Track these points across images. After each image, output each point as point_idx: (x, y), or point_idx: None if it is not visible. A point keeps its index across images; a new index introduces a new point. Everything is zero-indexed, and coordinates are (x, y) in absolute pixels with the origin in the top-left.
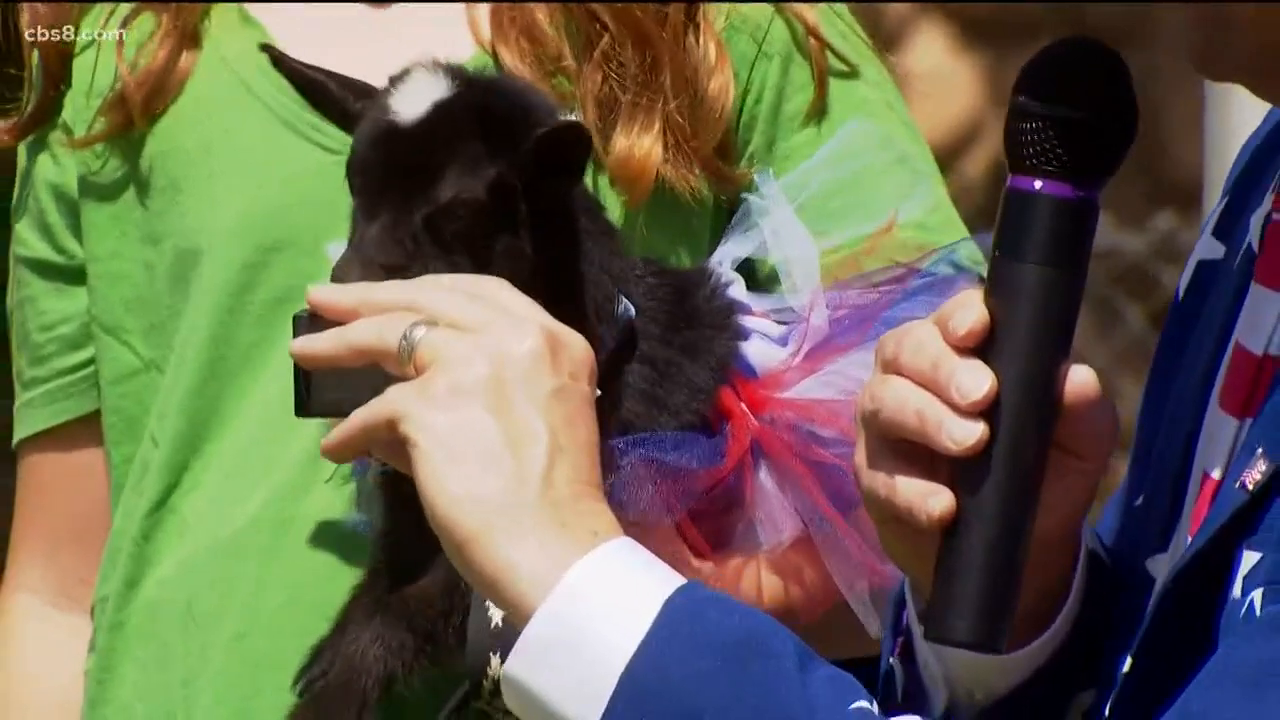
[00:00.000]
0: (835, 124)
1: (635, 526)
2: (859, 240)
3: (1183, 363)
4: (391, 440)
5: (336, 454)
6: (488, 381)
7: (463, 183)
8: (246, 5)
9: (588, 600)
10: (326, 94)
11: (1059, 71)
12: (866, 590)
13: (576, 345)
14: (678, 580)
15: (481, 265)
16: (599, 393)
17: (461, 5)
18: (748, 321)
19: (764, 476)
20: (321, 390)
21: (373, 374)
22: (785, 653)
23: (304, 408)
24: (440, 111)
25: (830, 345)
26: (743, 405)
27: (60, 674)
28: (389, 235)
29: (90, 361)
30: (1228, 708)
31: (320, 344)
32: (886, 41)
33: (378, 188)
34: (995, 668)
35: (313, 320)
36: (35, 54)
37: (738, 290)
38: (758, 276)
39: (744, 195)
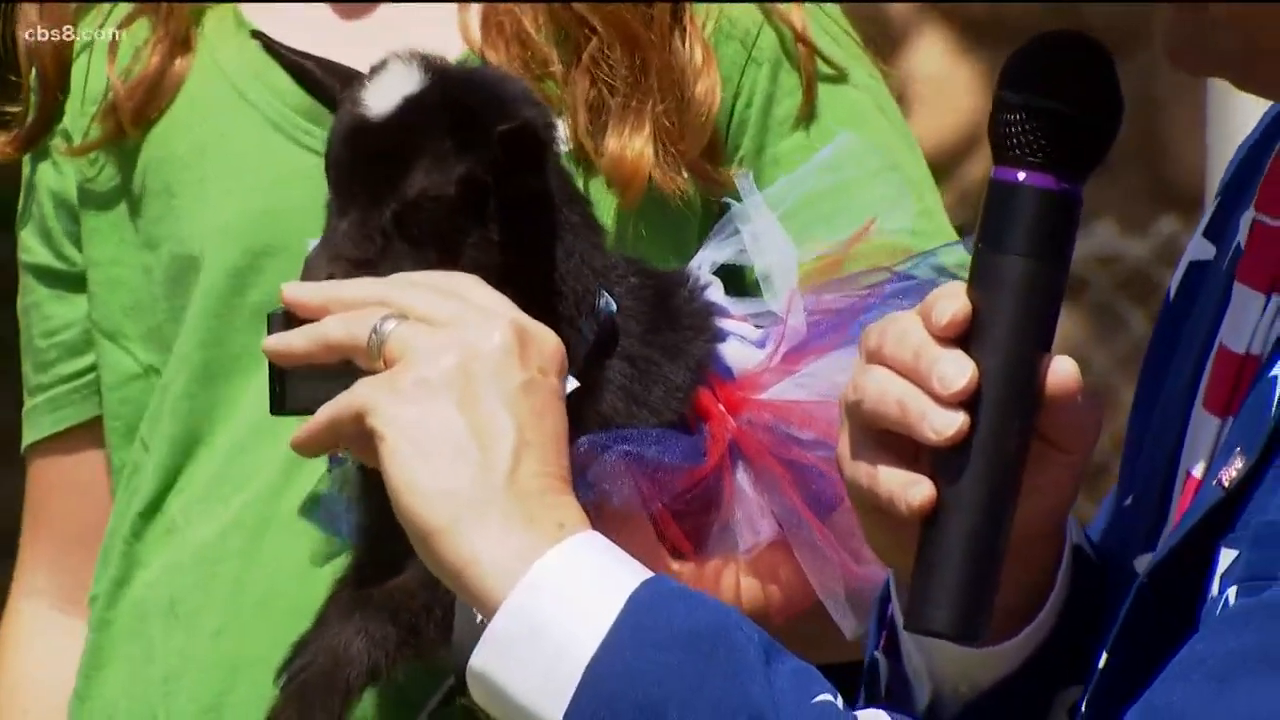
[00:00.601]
0: (825, 129)
1: (615, 528)
2: (842, 247)
3: (1173, 363)
4: (359, 434)
5: (306, 448)
6: (455, 375)
7: (431, 178)
8: (240, 10)
9: (553, 593)
10: (314, 80)
11: (1043, 63)
12: (843, 592)
13: (546, 339)
14: (643, 574)
15: (451, 259)
16: (578, 384)
17: (453, 10)
18: (726, 324)
19: (741, 477)
20: (296, 388)
21: (346, 371)
22: (749, 645)
23: (278, 405)
24: (410, 105)
25: (807, 348)
26: (720, 406)
27: (63, 678)
28: (359, 230)
29: (92, 368)
30: (1195, 699)
31: (292, 341)
32: (888, 47)
33: (349, 182)
34: (979, 661)
35: (287, 318)
36: (33, 65)
37: (716, 293)
38: (742, 283)
39: (727, 200)
